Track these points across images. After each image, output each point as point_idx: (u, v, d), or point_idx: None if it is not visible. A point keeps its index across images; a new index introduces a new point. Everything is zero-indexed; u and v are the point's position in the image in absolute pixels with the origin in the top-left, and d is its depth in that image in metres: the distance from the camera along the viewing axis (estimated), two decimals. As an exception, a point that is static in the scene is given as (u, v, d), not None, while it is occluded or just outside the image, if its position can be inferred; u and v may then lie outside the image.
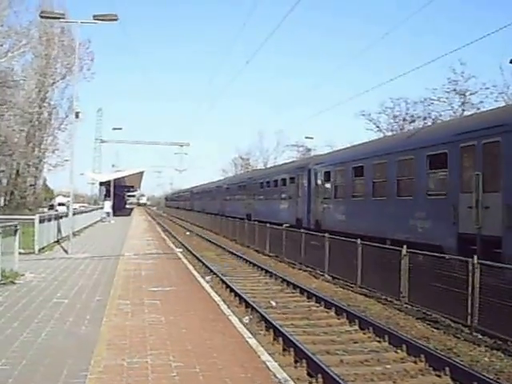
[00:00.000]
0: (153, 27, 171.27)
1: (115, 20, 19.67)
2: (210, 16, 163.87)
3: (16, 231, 13.87)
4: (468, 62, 39.99)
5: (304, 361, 8.49)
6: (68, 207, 27.65)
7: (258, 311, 11.96)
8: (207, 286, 12.92)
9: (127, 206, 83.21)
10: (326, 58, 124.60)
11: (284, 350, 9.34)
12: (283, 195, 30.83)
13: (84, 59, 50.70)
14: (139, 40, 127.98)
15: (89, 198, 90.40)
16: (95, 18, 19.46)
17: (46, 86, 53.51)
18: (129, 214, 63.74)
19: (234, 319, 9.34)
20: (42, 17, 21.05)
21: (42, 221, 19.72)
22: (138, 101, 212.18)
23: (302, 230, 21.93)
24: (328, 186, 23.81)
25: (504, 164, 12.42)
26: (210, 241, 34.33)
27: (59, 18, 19.71)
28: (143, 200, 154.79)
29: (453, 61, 39.74)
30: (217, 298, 11.29)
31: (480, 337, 10.29)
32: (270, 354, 7.51)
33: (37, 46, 49.96)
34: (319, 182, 24.87)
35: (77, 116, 20.02)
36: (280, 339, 9.81)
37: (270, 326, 10.73)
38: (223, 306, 10.45)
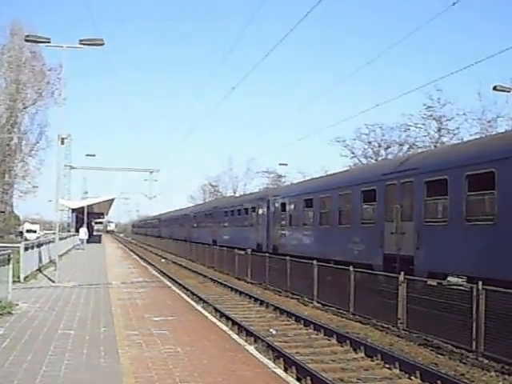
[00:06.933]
0: (133, 53, 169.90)
1: (101, 45, 19.55)
2: (192, 42, 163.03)
3: (9, 260, 13.54)
4: (444, 89, 41.01)
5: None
6: (47, 234, 27.04)
7: (263, 340, 11.89)
8: (209, 316, 12.79)
9: (95, 233, 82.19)
10: (306, 86, 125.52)
11: (298, 378, 9.27)
12: (245, 222, 33.88)
13: (55, 84, 50.49)
14: (117, 65, 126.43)
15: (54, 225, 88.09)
16: (81, 42, 19.26)
17: (16, 111, 52.76)
18: (99, 241, 62.82)
19: (251, 348, 9.27)
20: (27, 41, 20.87)
21: (26, 248, 19.27)
22: (108, 127, 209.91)
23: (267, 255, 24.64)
24: (283, 214, 26.85)
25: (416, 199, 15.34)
26: (187, 268, 34.09)
27: (45, 43, 19.43)
28: (111, 227, 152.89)
29: (429, 87, 40.60)
30: (224, 328, 11.19)
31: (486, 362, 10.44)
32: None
33: (7, 71, 49.45)
34: (276, 211, 27.91)
35: (62, 142, 19.69)
36: (293, 368, 9.78)
37: (279, 354, 10.67)
38: (235, 336, 10.36)
